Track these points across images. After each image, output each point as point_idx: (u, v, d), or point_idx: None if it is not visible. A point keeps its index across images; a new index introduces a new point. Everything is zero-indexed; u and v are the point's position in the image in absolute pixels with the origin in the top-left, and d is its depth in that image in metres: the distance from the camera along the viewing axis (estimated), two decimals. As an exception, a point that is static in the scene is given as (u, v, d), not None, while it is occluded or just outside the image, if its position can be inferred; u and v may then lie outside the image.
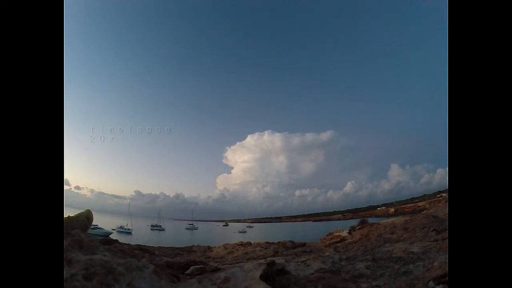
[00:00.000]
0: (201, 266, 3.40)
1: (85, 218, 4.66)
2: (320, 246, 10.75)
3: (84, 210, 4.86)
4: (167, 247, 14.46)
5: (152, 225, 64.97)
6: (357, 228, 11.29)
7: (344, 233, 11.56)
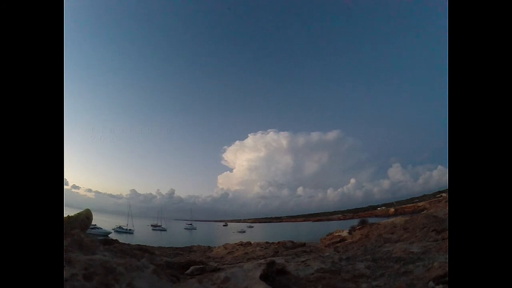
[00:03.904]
0: (201, 266, 3.41)
1: (85, 218, 4.66)
2: (320, 246, 10.75)
3: (84, 210, 4.87)
4: (167, 247, 14.48)
5: (152, 225, 64.65)
6: (357, 228, 11.31)
7: (344, 233, 11.58)
